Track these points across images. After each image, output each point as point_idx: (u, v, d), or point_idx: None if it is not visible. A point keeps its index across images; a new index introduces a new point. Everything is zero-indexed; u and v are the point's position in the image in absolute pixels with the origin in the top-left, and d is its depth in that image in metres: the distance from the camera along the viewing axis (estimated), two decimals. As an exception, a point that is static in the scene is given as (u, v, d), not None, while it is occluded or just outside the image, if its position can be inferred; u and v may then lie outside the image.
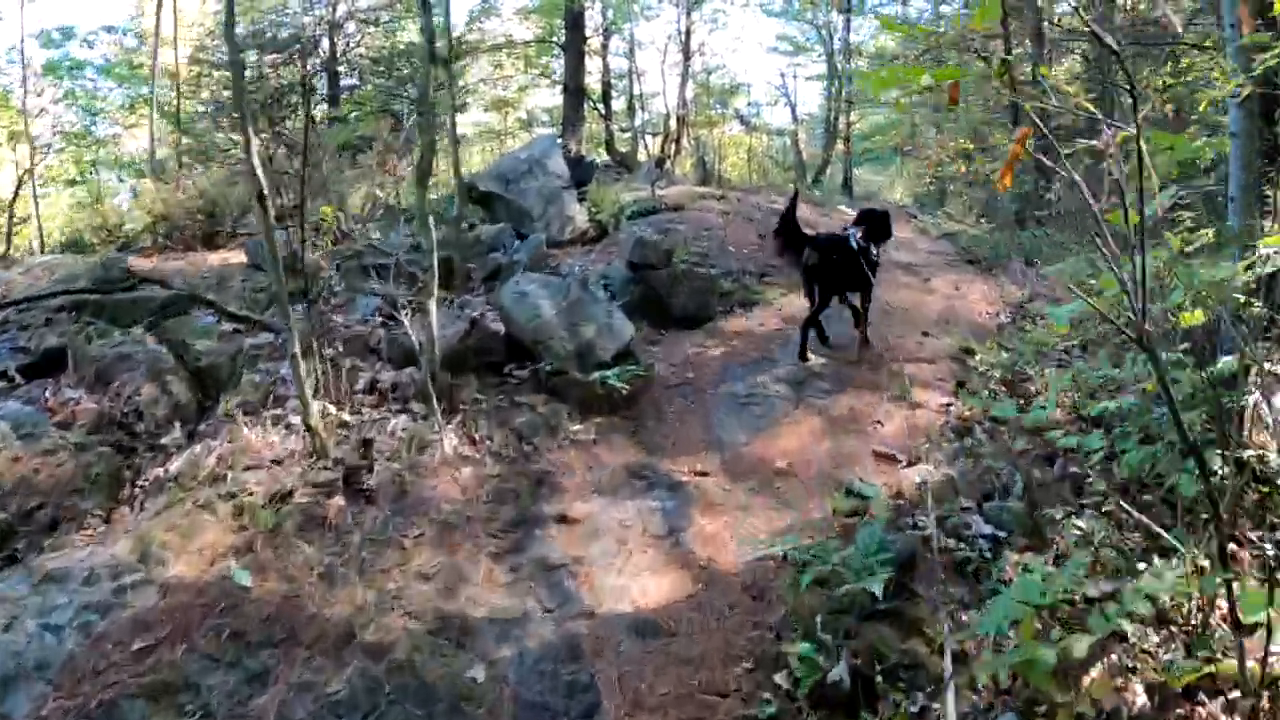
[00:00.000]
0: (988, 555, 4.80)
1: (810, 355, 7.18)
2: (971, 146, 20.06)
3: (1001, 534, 4.96)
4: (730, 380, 6.68)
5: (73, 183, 18.91)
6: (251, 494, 4.65)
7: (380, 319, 6.99)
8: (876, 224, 7.54)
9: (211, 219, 9.73)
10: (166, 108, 19.20)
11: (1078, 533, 4.62)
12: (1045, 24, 18.84)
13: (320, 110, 19.73)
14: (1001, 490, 5.49)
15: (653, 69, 21.21)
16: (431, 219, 5.67)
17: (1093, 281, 9.31)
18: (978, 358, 7.32)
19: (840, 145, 22.96)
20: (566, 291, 6.29)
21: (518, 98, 20.20)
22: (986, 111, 19.92)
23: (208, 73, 20.92)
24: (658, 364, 6.81)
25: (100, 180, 18.64)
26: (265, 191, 4.66)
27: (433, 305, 5.55)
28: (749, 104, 22.92)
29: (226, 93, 19.60)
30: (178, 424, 5.63)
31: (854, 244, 7.12)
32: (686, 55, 19.10)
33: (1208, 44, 12.42)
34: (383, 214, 11.88)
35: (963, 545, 4.84)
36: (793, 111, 23.91)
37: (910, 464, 5.65)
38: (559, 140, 11.77)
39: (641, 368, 6.26)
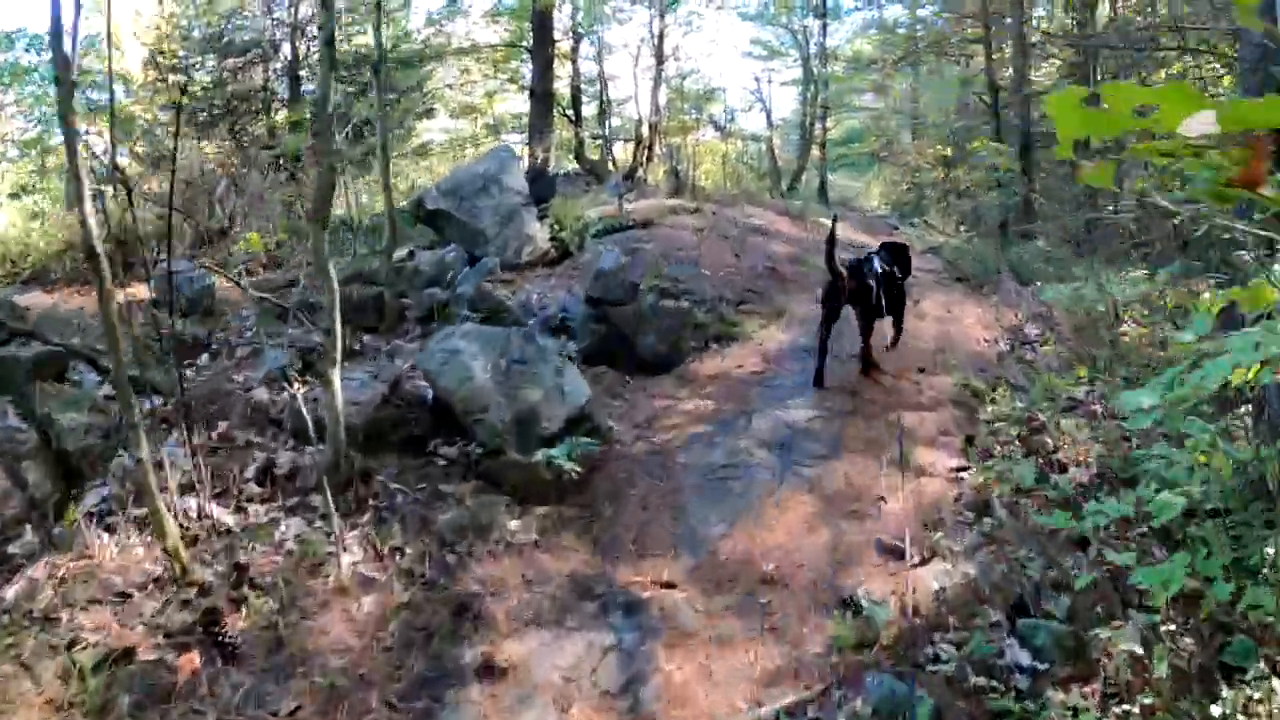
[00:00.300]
0: (1026, 697, 3.68)
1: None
2: (950, 153, 19.03)
3: (1041, 665, 3.85)
4: (705, 444, 5.50)
5: (15, 195, 17.45)
6: (86, 646, 3.43)
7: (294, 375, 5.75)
8: (899, 257, 7.42)
9: (123, 246, 8.40)
10: (123, 115, 17.82)
11: (1129, 656, 3.55)
12: (1027, 28, 17.82)
13: (281, 116, 18.45)
14: (1033, 591, 4.38)
15: (625, 74, 19.83)
16: (333, 266, 4.42)
17: (1101, 308, 8.29)
18: (988, 409, 6.18)
19: (816, 151, 21.86)
20: (506, 346, 5.07)
21: (486, 104, 18.89)
22: (965, 117, 18.87)
23: (163, 77, 19.55)
24: (619, 426, 5.63)
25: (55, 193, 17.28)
26: (97, 247, 3.42)
27: (335, 376, 4.34)
28: (724, 109, 21.72)
29: (186, 99, 18.29)
30: (29, 526, 4.38)
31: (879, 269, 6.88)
32: (659, 59, 17.93)
33: (1202, 46, 11.41)
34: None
35: (995, 683, 3.71)
36: (768, 117, 22.81)
37: (922, 561, 4.51)
38: (518, 153, 10.47)
39: (598, 438, 5.08)
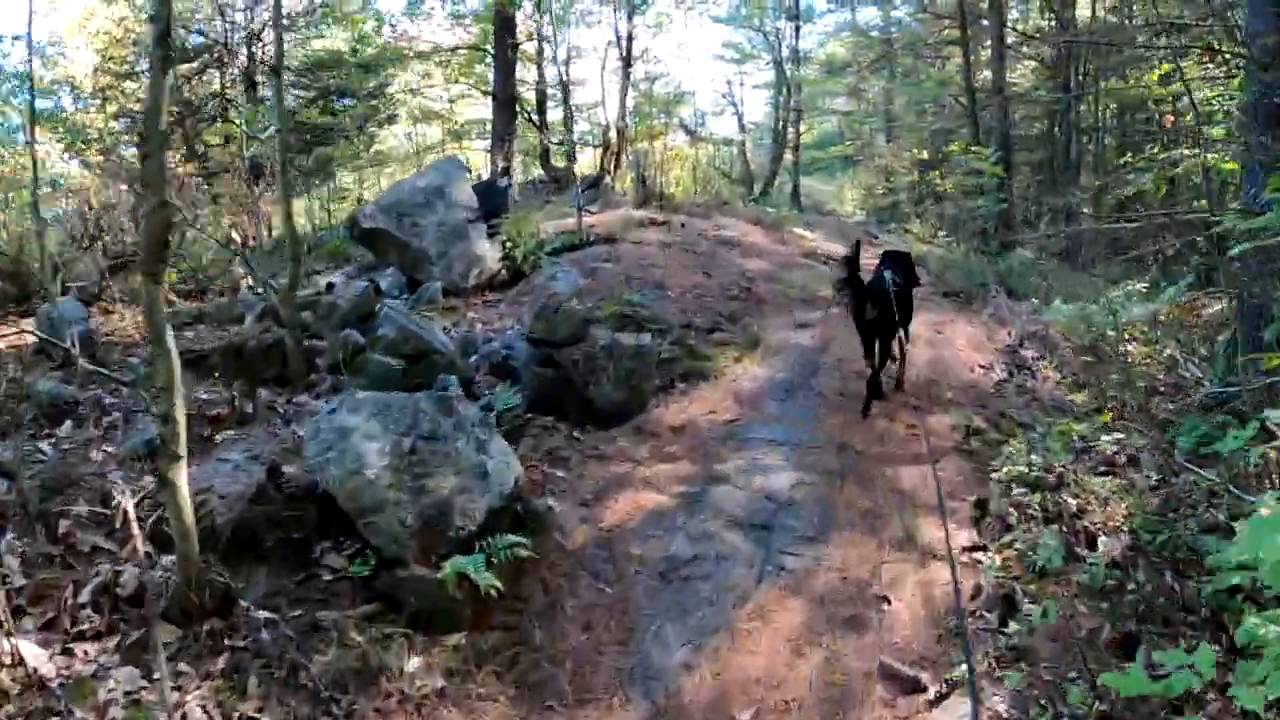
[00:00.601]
0: None
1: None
2: (926, 156, 18.07)
3: None
4: (666, 528, 4.39)
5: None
6: None
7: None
8: (904, 267, 6.73)
9: (14, 278, 7.17)
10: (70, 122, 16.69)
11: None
12: (1006, 27, 16.85)
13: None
14: (1077, 724, 3.35)
15: (594, 77, 18.60)
16: (171, 333, 3.27)
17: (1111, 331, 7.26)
18: (1001, 468, 5.12)
19: (788, 155, 20.83)
20: (413, 420, 3.92)
21: (450, 110, 17.68)
22: (942, 119, 17.90)
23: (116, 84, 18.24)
24: (561, 505, 4.52)
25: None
26: None
27: (179, 476, 3.19)
28: (694, 113, 20.66)
29: (137, 106, 17.04)
30: None
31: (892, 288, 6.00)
32: (627, 62, 16.82)
33: (1198, 45, 10.47)
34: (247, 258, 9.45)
35: None
36: (740, 121, 21.80)
37: (941, 695, 3.44)
38: (469, 163, 9.28)
39: (531, 530, 3.96)
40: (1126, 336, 7.42)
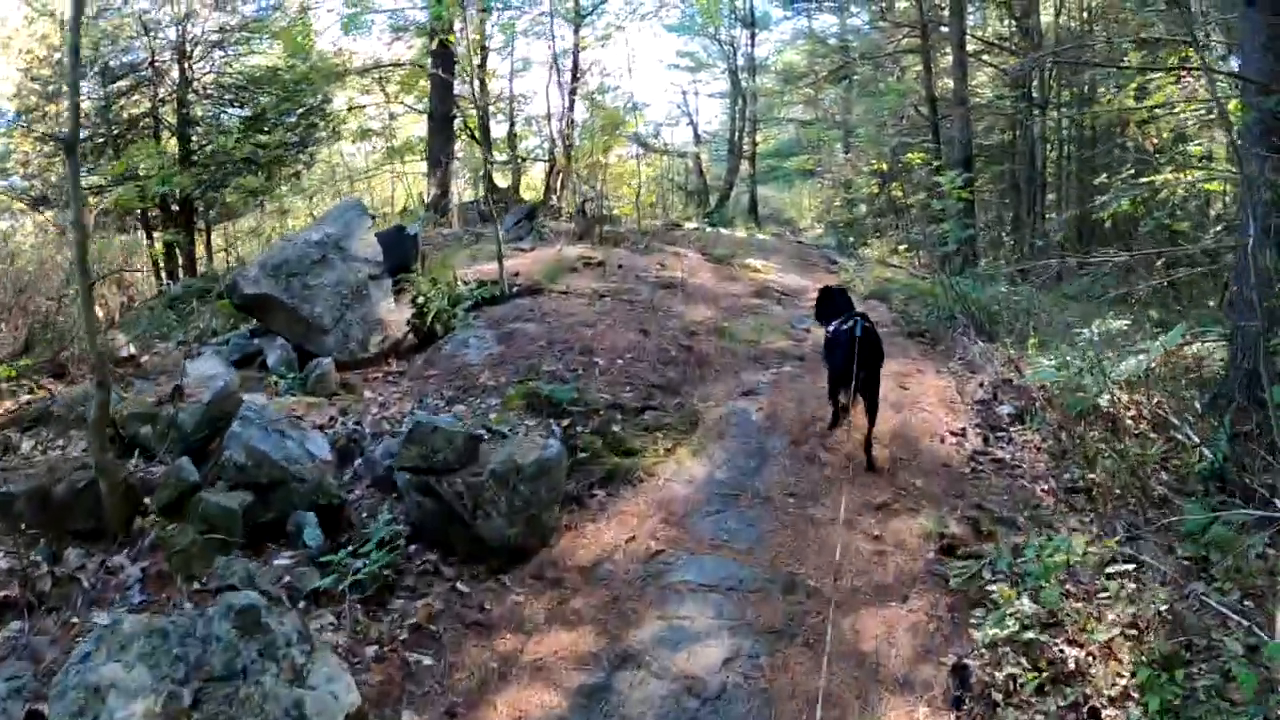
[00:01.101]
0: None
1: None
2: (886, 167, 16.93)
3: None
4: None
5: None
6: None
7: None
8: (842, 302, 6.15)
9: None
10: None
11: None
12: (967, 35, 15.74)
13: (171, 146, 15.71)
14: None
15: (542, 91, 17.18)
16: None
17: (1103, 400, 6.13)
18: (986, 626, 3.97)
19: (745, 166, 19.64)
20: (200, 655, 2.65)
21: (390, 129, 16.22)
22: (901, 130, 16.78)
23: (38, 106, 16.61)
24: (421, 713, 3.28)
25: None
26: None
27: None
28: (646, 124, 19.37)
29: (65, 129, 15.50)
30: None
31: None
32: (574, 74, 15.52)
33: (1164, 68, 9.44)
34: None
35: None
36: (695, 131, 20.57)
37: None
38: (370, 208, 7.93)
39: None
40: (1115, 391, 6.33)
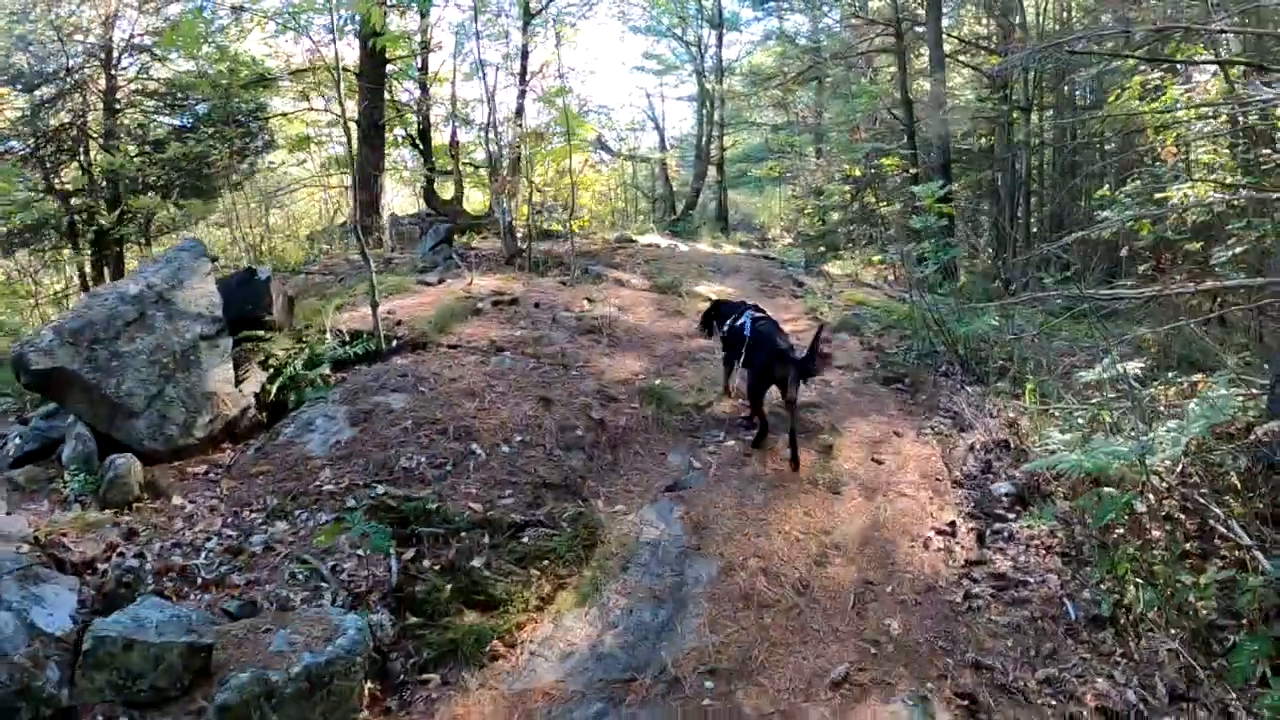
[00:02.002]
0: None
1: None
2: (859, 173, 15.09)
3: None
4: None
5: None
6: None
7: None
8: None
9: None
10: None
11: None
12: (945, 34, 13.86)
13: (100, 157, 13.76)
14: None
15: (499, 96, 15.06)
16: None
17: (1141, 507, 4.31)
18: None
19: (713, 171, 17.76)
20: None
21: (320, 138, 14.23)
22: (875, 133, 14.90)
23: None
24: None
25: None
26: None
27: None
28: (611, 129, 17.46)
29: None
30: None
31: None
32: (522, 77, 13.59)
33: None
34: None
35: None
36: (661, 136, 18.66)
37: None
38: (209, 250, 5.97)
39: None
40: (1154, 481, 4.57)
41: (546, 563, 3.94)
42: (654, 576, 3.92)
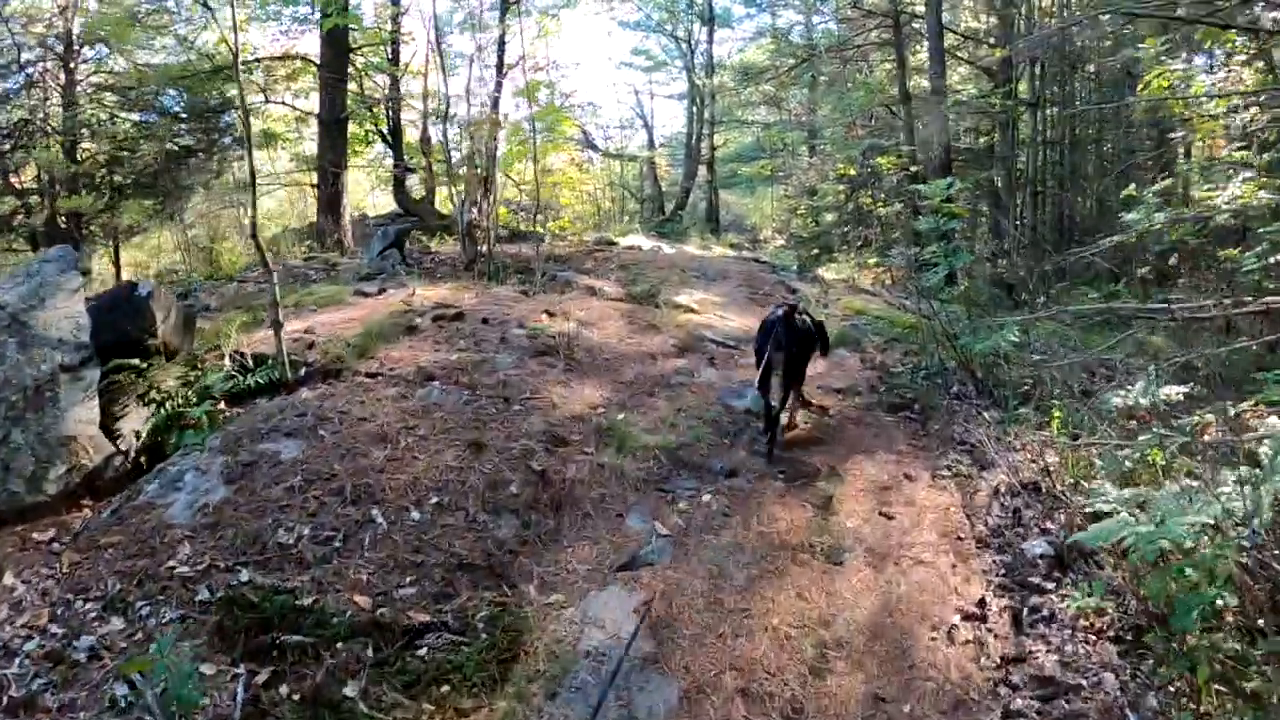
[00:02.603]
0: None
1: None
2: (854, 172, 13.91)
3: None
4: None
5: None
6: None
7: None
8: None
9: None
10: None
11: None
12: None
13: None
14: None
15: (474, 90, 13.76)
16: None
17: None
18: None
19: (703, 170, 16.57)
20: None
21: (298, 134, 13.01)
22: (871, 131, 13.71)
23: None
24: None
25: None
26: None
27: None
28: (599, 126, 16.30)
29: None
30: None
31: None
32: (499, 70, 12.37)
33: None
34: None
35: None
36: (649, 135, 17.46)
37: None
38: (78, 259, 4.74)
39: None
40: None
41: (447, 688, 2.79)
42: (590, 709, 2.77)
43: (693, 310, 7.12)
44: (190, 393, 4.42)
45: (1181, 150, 10.79)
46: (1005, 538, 4.31)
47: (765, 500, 4.19)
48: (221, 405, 4.51)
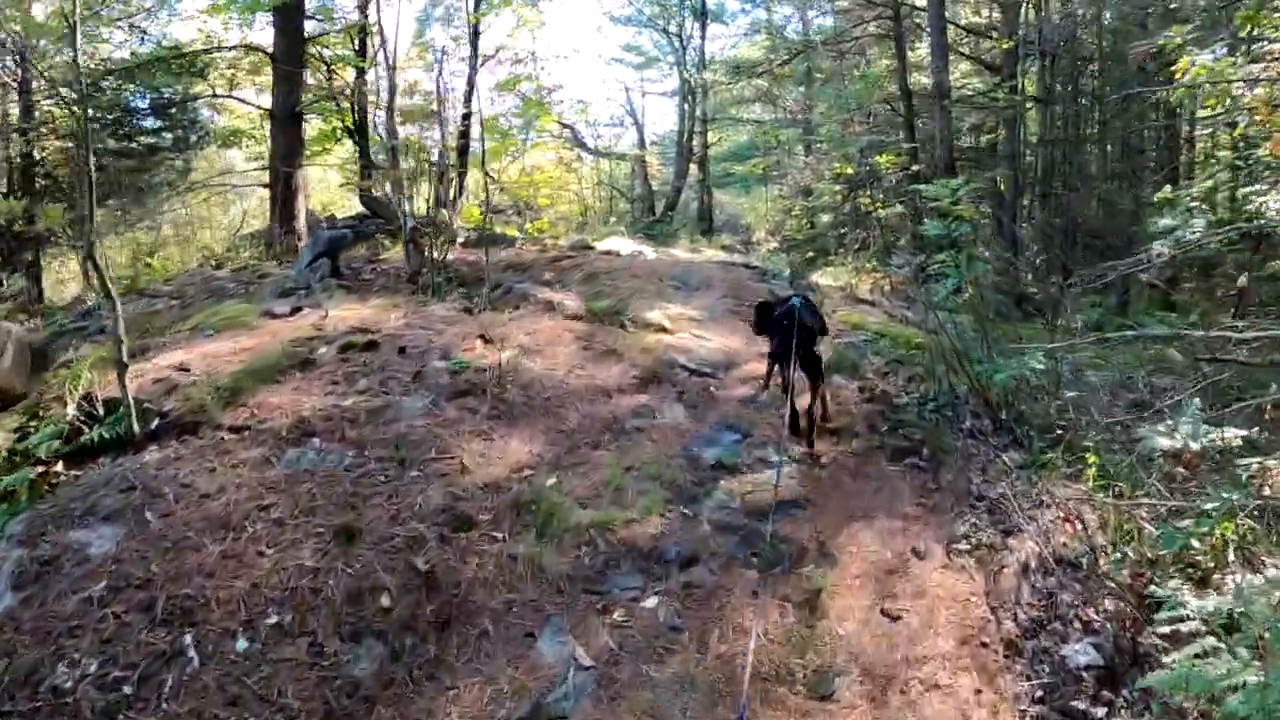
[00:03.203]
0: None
1: None
2: (852, 171, 12.76)
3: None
4: None
5: None
6: None
7: None
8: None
9: None
10: None
11: None
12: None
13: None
14: None
15: (453, 82, 12.58)
16: None
17: None
18: None
19: (695, 170, 15.45)
20: None
21: (262, 131, 11.84)
22: (869, 128, 12.54)
23: None
24: None
25: None
26: None
27: None
28: (579, 121, 15.15)
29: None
30: None
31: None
32: (473, 63, 11.31)
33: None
34: None
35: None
36: (640, 133, 16.31)
37: None
38: None
39: None
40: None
41: None
42: None
43: (664, 329, 6.00)
44: (20, 451, 3.34)
45: (1198, 148, 9.67)
46: (1040, 640, 3.26)
47: (732, 601, 3.10)
48: (58, 467, 3.43)
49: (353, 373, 4.13)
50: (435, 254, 6.42)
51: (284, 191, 8.82)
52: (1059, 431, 4.87)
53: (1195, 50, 6.10)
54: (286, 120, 9.22)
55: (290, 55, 9.30)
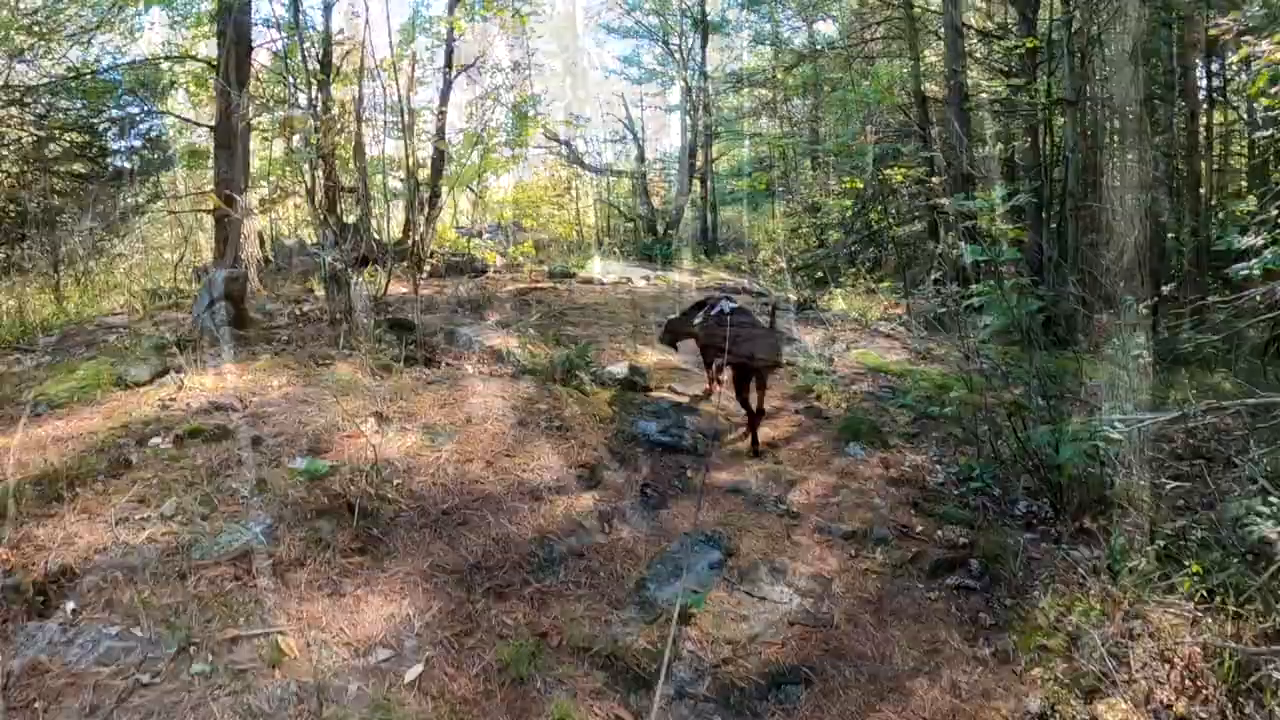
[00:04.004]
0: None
1: None
2: (861, 185, 11.37)
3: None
4: None
5: None
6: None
7: None
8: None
9: None
10: None
11: None
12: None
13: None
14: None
15: (436, 97, 11.30)
16: None
17: None
18: None
19: (698, 187, 14.11)
20: None
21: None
22: (883, 139, 11.12)
23: None
24: None
25: None
26: None
27: None
28: (586, 140, 13.91)
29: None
30: None
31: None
32: (447, 75, 10.12)
33: None
34: None
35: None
36: (640, 149, 14.98)
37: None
38: None
39: None
40: None
41: None
42: None
43: (634, 385, 4.64)
44: None
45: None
46: None
47: None
48: None
49: (172, 481, 2.82)
50: (371, 290, 5.14)
51: (225, 218, 7.55)
52: (1123, 508, 3.56)
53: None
54: (230, 139, 7.97)
55: (238, 68, 8.06)
